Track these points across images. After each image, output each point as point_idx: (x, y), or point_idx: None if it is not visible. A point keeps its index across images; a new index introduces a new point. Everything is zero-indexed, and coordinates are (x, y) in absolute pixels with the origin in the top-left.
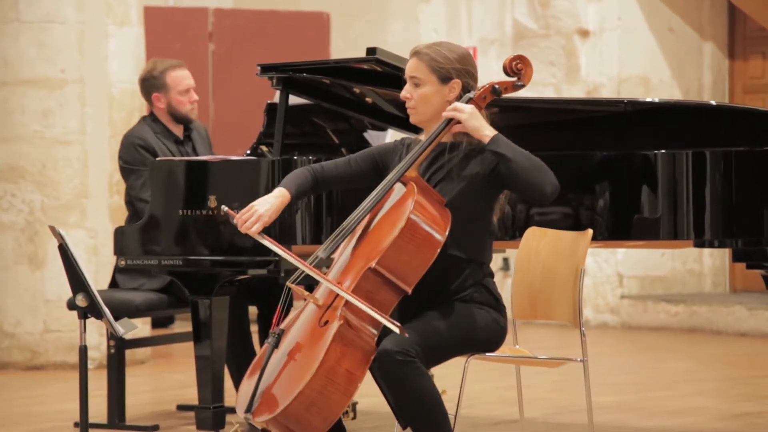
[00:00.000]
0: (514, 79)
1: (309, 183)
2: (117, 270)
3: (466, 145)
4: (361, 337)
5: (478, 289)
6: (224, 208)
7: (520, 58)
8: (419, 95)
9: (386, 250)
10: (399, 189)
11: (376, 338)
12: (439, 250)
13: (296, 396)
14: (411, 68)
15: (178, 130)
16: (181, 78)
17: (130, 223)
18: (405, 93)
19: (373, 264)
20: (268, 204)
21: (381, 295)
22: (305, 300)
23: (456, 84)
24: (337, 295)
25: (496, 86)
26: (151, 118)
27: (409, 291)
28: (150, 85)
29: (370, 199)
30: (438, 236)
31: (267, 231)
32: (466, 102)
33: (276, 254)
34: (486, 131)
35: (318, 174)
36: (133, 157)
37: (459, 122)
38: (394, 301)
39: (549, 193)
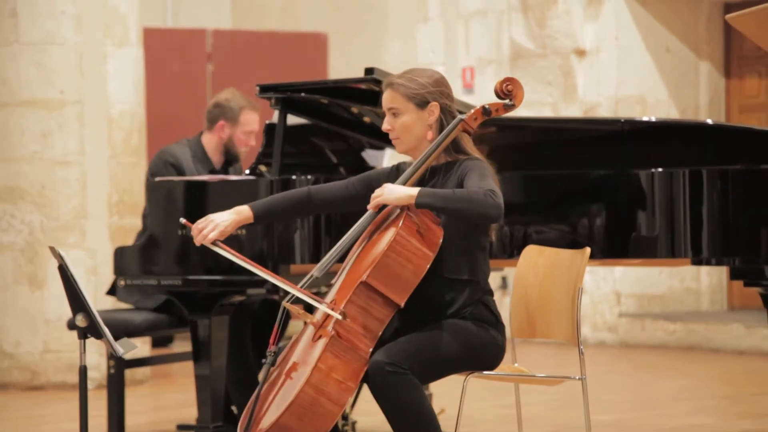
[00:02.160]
0: (506, 100)
1: (298, 201)
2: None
3: (444, 165)
4: (354, 349)
5: (477, 307)
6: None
7: (511, 81)
8: (400, 125)
9: (377, 264)
10: (394, 208)
11: (370, 351)
12: (429, 264)
13: (288, 406)
14: (387, 100)
15: (218, 161)
16: (252, 120)
17: (140, 237)
18: (386, 125)
19: (364, 278)
20: (224, 216)
21: (374, 309)
22: (305, 323)
23: (434, 107)
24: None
25: (487, 107)
26: (196, 141)
27: (402, 304)
28: (222, 112)
29: (364, 219)
30: (428, 250)
31: (263, 253)
32: (458, 123)
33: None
34: (410, 193)
35: (314, 192)
36: (160, 172)
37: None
38: (388, 315)
39: (495, 216)
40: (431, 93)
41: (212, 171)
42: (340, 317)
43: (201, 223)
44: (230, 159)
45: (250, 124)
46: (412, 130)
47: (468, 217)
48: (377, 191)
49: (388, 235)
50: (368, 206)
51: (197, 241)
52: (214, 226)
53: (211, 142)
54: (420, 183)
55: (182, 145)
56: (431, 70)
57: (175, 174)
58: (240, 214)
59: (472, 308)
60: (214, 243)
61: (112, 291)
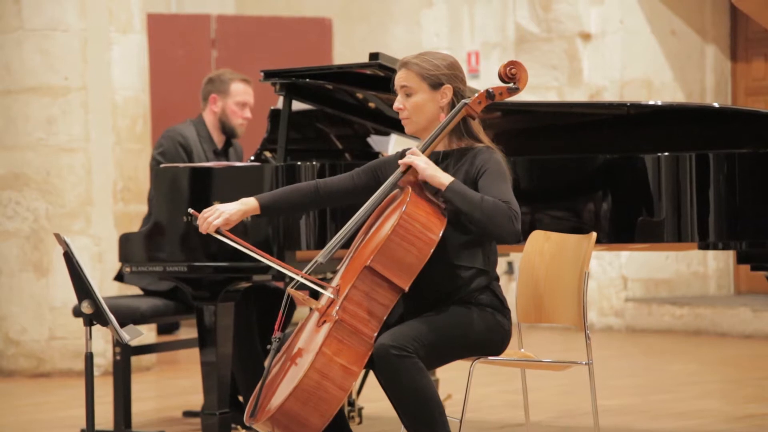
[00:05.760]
0: (509, 84)
1: (306, 194)
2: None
3: (456, 150)
4: (358, 333)
5: (483, 292)
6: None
7: (514, 64)
8: (412, 104)
9: (380, 248)
10: (399, 194)
11: (374, 335)
12: (433, 248)
13: (292, 391)
14: (401, 78)
15: (219, 140)
16: (243, 91)
17: (146, 222)
18: (397, 104)
19: (368, 262)
20: (230, 206)
21: (379, 293)
22: (310, 309)
23: (447, 89)
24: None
25: (491, 90)
26: (199, 121)
27: (406, 289)
28: (213, 86)
29: (368, 204)
30: (431, 234)
31: (268, 239)
32: (462, 107)
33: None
34: (442, 179)
35: (321, 186)
36: (171, 152)
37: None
38: (392, 299)
39: (509, 240)
40: (445, 75)
41: (216, 151)
42: (331, 296)
43: (207, 212)
44: (228, 134)
45: (241, 95)
46: (423, 111)
47: (483, 230)
48: (416, 153)
49: (392, 220)
50: (400, 161)
51: (202, 229)
52: (219, 214)
53: (209, 119)
54: None
55: (188, 125)
56: (446, 53)
57: (185, 154)
58: (246, 204)
59: (479, 293)
60: (218, 231)
61: (120, 277)
